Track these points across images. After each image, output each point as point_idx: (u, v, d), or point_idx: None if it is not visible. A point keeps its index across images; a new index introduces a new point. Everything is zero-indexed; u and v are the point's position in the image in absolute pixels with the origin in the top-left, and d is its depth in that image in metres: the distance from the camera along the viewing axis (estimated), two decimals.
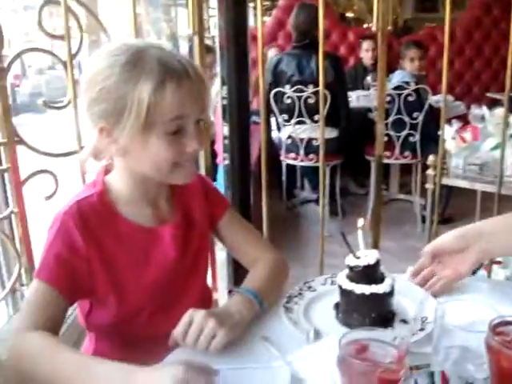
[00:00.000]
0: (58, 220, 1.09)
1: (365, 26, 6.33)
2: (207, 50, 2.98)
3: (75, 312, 1.35)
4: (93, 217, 1.10)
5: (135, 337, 1.16)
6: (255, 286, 1.17)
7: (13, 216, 1.46)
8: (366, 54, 4.99)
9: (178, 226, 1.20)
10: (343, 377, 0.75)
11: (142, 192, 1.16)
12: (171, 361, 0.97)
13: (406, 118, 3.75)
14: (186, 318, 1.02)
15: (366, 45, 4.94)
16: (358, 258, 1.08)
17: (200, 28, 1.72)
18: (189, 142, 1.07)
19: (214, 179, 2.99)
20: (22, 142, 1.42)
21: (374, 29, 1.75)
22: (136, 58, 1.02)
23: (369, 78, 4.68)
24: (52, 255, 1.07)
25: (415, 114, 3.74)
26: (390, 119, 3.76)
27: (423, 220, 3.81)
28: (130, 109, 1.01)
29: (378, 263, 1.08)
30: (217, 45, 2.37)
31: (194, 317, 1.01)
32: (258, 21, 1.90)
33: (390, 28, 1.78)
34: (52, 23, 1.63)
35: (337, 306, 1.14)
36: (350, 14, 6.97)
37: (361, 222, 1.11)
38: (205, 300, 1.31)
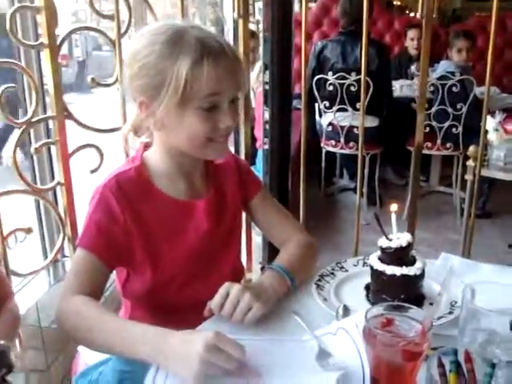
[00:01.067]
0: (98, 192, 1.15)
1: (411, 14, 6.22)
2: (251, 34, 3.01)
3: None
4: (130, 189, 1.16)
5: (168, 305, 1.21)
6: (286, 264, 1.21)
7: (58, 187, 1.52)
8: (410, 42, 4.92)
9: (210, 200, 1.25)
10: (368, 348, 0.77)
11: (177, 167, 1.21)
12: (205, 329, 1.01)
13: (450, 109, 3.69)
14: (223, 290, 1.06)
15: (412, 33, 4.86)
16: (391, 240, 1.10)
17: (245, 11, 1.75)
18: (222, 118, 1.11)
19: (253, 163, 3.03)
20: (70, 116, 1.48)
21: (418, 16, 1.73)
22: (176, 36, 1.07)
23: (413, 68, 4.62)
24: (92, 224, 1.13)
25: (459, 105, 3.68)
26: (433, 110, 3.71)
27: (463, 213, 3.76)
28: (168, 84, 1.06)
29: (409, 246, 1.09)
30: (260, 29, 2.39)
31: (231, 289, 1.05)
32: (302, 6, 1.91)
33: (435, 16, 1.74)
34: (100, 5, 1.68)
35: (367, 287, 1.16)
36: (397, 3, 6.85)
37: (394, 206, 1.13)
38: (237, 274, 1.35)
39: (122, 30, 1.55)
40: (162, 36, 1.08)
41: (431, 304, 1.11)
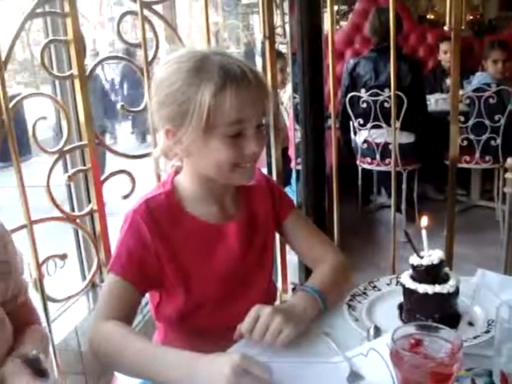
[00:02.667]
0: (129, 217, 1.16)
1: (445, 28, 6.15)
2: (278, 55, 3.03)
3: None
4: (160, 214, 1.16)
5: (201, 328, 1.21)
6: (319, 285, 1.19)
7: (93, 214, 1.55)
8: (444, 56, 4.85)
9: (242, 223, 1.24)
10: (396, 370, 0.75)
11: (207, 191, 1.21)
12: (234, 351, 1.01)
13: (487, 121, 3.61)
14: (253, 313, 1.05)
15: (444, 46, 4.79)
16: (422, 257, 1.07)
17: (270, 33, 1.76)
18: (248, 144, 1.11)
19: (288, 184, 3.02)
20: (101, 143, 1.51)
21: (446, 28, 1.71)
22: (199, 64, 1.08)
23: (448, 81, 4.55)
24: (123, 250, 1.15)
25: (497, 117, 3.59)
26: (470, 122, 3.63)
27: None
28: (192, 112, 1.07)
29: (441, 263, 1.06)
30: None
31: (261, 312, 1.04)
32: (329, 25, 1.92)
33: (463, 28, 1.72)
34: (135, 34, 1.72)
35: (400, 306, 1.13)
36: (430, 16, 6.79)
37: (424, 220, 1.10)
38: (269, 296, 1.34)
39: (150, 58, 1.58)
40: (186, 64, 1.09)
41: (471, 324, 1.07)
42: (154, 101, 1.15)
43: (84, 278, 2.34)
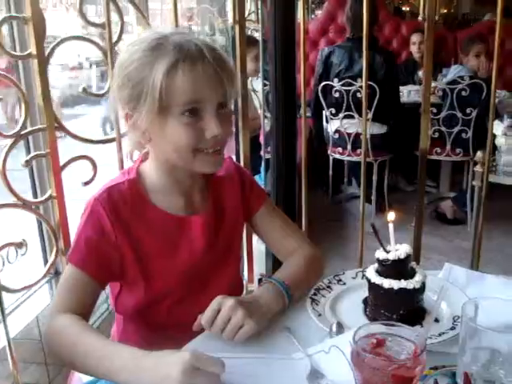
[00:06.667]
0: (89, 205, 1.10)
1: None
2: (252, 42, 2.98)
3: None
4: (122, 203, 1.11)
5: (160, 322, 1.17)
6: (287, 279, 1.15)
7: (52, 201, 1.49)
8: (413, 46, 4.85)
9: (208, 215, 1.20)
10: (357, 372, 0.72)
11: (172, 181, 1.16)
12: (191, 347, 0.97)
13: (459, 114, 3.62)
14: (215, 305, 1.01)
15: (414, 37, 4.80)
16: (388, 251, 1.05)
17: (240, 17, 1.71)
18: (208, 126, 1.05)
19: (258, 171, 2.99)
20: (61, 128, 1.44)
21: (420, 19, 1.69)
22: (156, 44, 1.03)
23: (420, 73, 4.56)
24: (83, 240, 1.10)
25: (468, 110, 3.61)
26: (442, 114, 3.65)
27: None
28: (146, 93, 1.02)
29: (408, 258, 1.04)
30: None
31: (223, 304, 1.01)
32: (300, 13, 1.88)
33: (437, 19, 1.70)
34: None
35: (365, 300, 1.11)
36: (405, 8, 6.81)
37: (391, 215, 1.07)
38: (235, 290, 1.30)
39: (114, 40, 1.51)
40: (143, 44, 1.04)
41: (436, 320, 1.05)
42: (115, 85, 1.09)
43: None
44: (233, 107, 1.56)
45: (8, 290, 1.46)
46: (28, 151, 1.97)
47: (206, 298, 1.05)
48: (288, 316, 1.10)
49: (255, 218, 1.31)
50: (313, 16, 6.25)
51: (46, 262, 2.35)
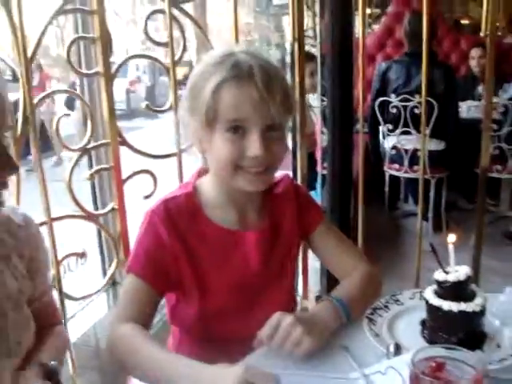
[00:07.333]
0: (147, 217, 1.14)
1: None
2: (309, 57, 2.99)
3: None
4: (179, 215, 1.14)
5: (215, 335, 1.19)
6: (344, 297, 1.15)
7: (112, 213, 1.54)
8: (472, 61, 4.73)
9: (263, 232, 1.21)
10: None
11: (228, 196, 1.18)
12: (247, 363, 0.98)
13: None
14: (274, 321, 1.02)
15: (474, 52, 4.67)
16: (448, 272, 1.03)
17: (300, 34, 1.72)
18: (250, 146, 1.06)
19: (313, 188, 2.98)
20: (124, 142, 1.49)
21: (481, 34, 1.65)
22: (219, 60, 1.06)
23: (480, 88, 4.44)
24: (141, 250, 1.14)
25: None
26: (503, 131, 3.55)
27: None
28: (199, 104, 1.06)
29: (468, 280, 1.02)
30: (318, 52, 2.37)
31: (282, 321, 1.01)
32: (359, 27, 1.88)
33: (500, 34, 1.66)
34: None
35: (423, 322, 1.09)
36: (465, 21, 6.66)
37: (452, 237, 1.05)
38: (288, 307, 1.29)
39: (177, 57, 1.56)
40: (209, 60, 1.08)
41: (497, 345, 1.02)
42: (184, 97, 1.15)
43: (105, 275, 2.35)
44: (290, 123, 1.57)
45: (70, 298, 1.52)
46: (90, 164, 2.05)
47: (260, 313, 1.06)
48: (345, 334, 1.10)
49: (312, 236, 1.30)
50: (369, 30, 6.22)
51: (103, 271, 2.42)
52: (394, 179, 4.09)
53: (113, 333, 1.07)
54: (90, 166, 1.96)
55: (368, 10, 5.72)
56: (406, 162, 3.74)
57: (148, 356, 0.99)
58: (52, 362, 0.99)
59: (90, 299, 2.09)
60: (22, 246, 1.03)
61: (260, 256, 1.19)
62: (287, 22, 5.54)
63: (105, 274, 2.34)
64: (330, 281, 2.26)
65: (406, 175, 3.84)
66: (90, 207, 1.95)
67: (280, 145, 1.11)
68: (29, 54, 1.33)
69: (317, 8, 3.09)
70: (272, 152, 1.08)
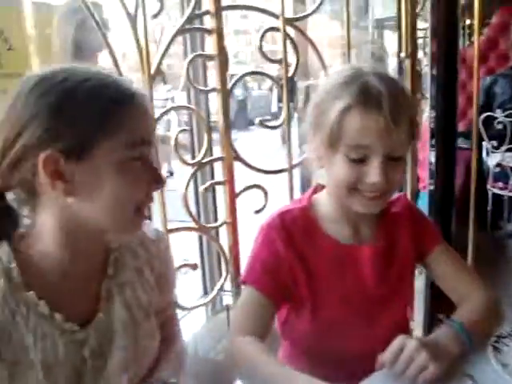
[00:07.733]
0: (263, 230, 1.17)
1: None
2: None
3: None
4: (294, 228, 1.16)
5: (328, 351, 1.17)
6: (466, 322, 1.10)
7: (224, 226, 1.57)
8: None
9: (378, 249, 1.19)
10: None
11: (343, 213, 1.18)
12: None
13: None
14: (397, 345, 0.99)
15: None
16: None
17: (413, 51, 1.69)
18: (369, 172, 1.05)
19: None
20: (238, 158, 1.53)
21: None
22: (347, 80, 1.06)
23: None
24: (258, 262, 1.16)
25: None
26: None
27: None
28: (322, 124, 1.06)
29: None
30: (424, 67, 2.32)
31: (406, 345, 0.98)
32: (475, 40, 1.82)
33: None
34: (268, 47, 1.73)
35: None
36: None
37: None
38: (400, 328, 1.25)
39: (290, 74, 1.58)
40: (337, 78, 1.09)
41: None
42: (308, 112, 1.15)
43: (204, 287, 2.40)
44: None
45: (181, 308, 1.56)
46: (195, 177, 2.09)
47: (379, 331, 1.05)
48: (470, 363, 1.05)
49: (429, 258, 1.27)
50: (468, 42, 6.01)
51: (204, 283, 2.47)
52: (497, 197, 3.92)
53: (233, 346, 1.10)
54: (195, 179, 2.01)
55: (467, 21, 5.53)
56: (511, 181, 3.57)
57: (267, 369, 0.99)
58: (172, 380, 1.02)
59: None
60: (153, 259, 1.05)
61: (375, 272, 1.18)
62: (387, 36, 5.44)
63: (205, 285, 2.39)
64: (433, 301, 2.19)
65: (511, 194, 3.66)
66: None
67: (399, 172, 1.11)
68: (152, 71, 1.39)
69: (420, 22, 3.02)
70: (390, 179, 1.07)
